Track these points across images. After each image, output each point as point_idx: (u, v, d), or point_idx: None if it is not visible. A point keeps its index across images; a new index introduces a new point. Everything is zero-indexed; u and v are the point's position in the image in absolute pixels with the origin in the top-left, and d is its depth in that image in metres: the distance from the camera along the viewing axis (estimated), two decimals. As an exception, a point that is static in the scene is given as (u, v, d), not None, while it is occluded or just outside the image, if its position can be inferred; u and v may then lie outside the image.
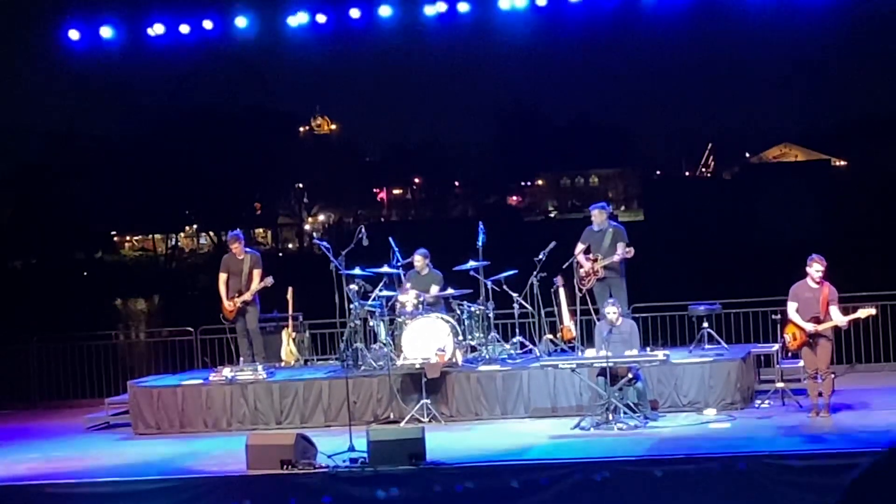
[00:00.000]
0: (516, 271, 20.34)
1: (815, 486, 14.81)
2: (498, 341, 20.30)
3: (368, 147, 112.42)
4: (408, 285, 20.30)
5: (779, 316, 18.64)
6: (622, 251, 19.80)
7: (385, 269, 20.30)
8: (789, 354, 18.58)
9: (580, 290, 20.11)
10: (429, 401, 18.97)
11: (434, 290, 20.25)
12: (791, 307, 17.61)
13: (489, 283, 20.13)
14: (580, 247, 20.27)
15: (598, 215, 20.38)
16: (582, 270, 20.15)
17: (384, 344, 19.93)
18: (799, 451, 15.46)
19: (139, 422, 20.10)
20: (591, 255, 20.18)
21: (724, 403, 18.57)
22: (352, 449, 16.46)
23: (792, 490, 14.85)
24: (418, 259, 20.49)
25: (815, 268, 17.49)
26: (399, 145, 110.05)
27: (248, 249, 21.28)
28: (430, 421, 18.70)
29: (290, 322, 21.66)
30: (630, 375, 17.78)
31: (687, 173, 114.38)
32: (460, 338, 19.76)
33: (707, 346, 19.78)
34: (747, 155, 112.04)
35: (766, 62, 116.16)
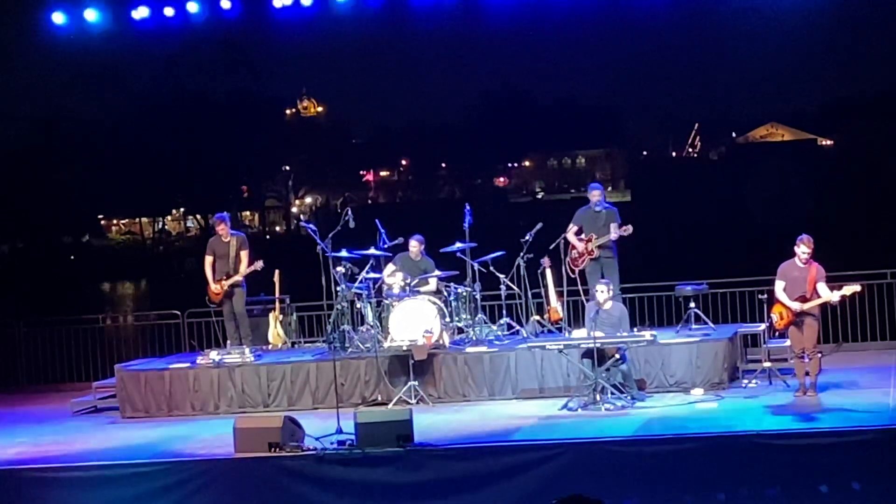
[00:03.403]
0: (503, 253, 20.35)
1: (803, 464, 14.84)
2: (485, 323, 20.30)
3: (355, 129, 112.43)
4: (394, 267, 20.28)
5: (765, 296, 18.67)
6: (617, 230, 19.79)
7: (372, 251, 20.28)
8: (776, 334, 18.61)
9: (572, 271, 20.10)
10: (416, 382, 18.97)
11: (433, 282, 20.23)
12: (778, 286, 17.64)
13: (476, 265, 20.13)
14: (573, 228, 20.21)
15: (598, 195, 20.37)
16: (575, 252, 20.11)
17: (371, 326, 19.92)
18: (786, 431, 15.50)
19: (127, 405, 20.07)
20: (583, 236, 20.15)
21: (711, 383, 18.59)
22: (339, 431, 16.48)
23: (780, 469, 14.87)
24: (415, 245, 20.43)
25: (802, 249, 17.50)
26: (386, 127, 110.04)
27: (233, 231, 21.25)
28: (417, 402, 18.70)
29: (277, 305, 21.65)
30: (617, 356, 17.78)
31: (674, 153, 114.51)
32: (447, 319, 19.76)
33: (694, 326, 19.79)
34: (734, 135, 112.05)
35: (753, 42, 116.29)
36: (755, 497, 14.82)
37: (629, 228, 19.82)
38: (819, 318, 17.84)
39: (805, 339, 17.56)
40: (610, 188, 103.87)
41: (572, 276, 20.11)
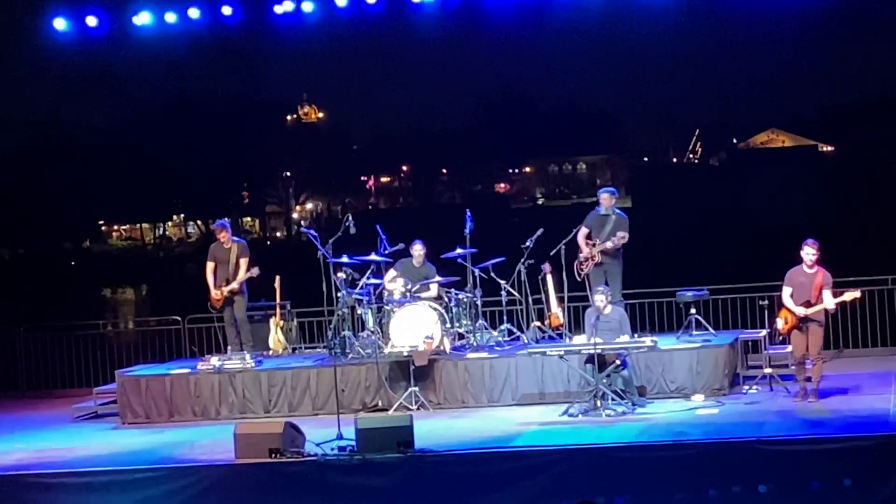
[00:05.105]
0: (504, 258, 20.34)
1: (803, 470, 14.83)
2: (486, 329, 20.29)
3: (356, 135, 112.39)
4: (395, 273, 20.28)
5: (766, 301, 18.68)
6: (612, 240, 19.78)
7: (373, 256, 20.28)
8: (780, 338, 18.61)
9: (579, 274, 20.07)
10: (417, 388, 18.96)
11: (434, 288, 20.23)
12: (785, 292, 17.65)
13: (476, 271, 20.12)
14: (583, 231, 20.14)
15: (607, 199, 20.30)
16: (581, 255, 20.09)
17: (372, 332, 19.92)
18: (788, 437, 15.48)
19: (127, 411, 20.06)
20: (591, 241, 20.12)
21: (712, 389, 18.58)
22: (340, 437, 16.45)
23: (781, 474, 14.87)
24: (418, 248, 20.44)
25: (807, 251, 17.53)
26: (386, 133, 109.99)
27: (234, 238, 21.28)
28: (418, 408, 18.69)
29: (278, 310, 21.63)
30: (618, 362, 17.77)
31: (675, 159, 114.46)
32: (448, 325, 19.75)
33: (695, 332, 19.77)
34: (735, 141, 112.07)
35: (753, 48, 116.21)
36: (751, 499, 14.83)
37: (625, 237, 19.80)
38: (824, 324, 17.85)
39: (810, 345, 17.59)
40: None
41: (579, 279, 20.09)
